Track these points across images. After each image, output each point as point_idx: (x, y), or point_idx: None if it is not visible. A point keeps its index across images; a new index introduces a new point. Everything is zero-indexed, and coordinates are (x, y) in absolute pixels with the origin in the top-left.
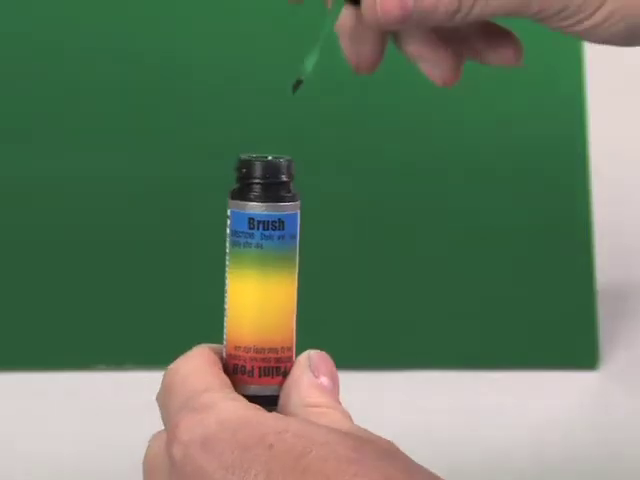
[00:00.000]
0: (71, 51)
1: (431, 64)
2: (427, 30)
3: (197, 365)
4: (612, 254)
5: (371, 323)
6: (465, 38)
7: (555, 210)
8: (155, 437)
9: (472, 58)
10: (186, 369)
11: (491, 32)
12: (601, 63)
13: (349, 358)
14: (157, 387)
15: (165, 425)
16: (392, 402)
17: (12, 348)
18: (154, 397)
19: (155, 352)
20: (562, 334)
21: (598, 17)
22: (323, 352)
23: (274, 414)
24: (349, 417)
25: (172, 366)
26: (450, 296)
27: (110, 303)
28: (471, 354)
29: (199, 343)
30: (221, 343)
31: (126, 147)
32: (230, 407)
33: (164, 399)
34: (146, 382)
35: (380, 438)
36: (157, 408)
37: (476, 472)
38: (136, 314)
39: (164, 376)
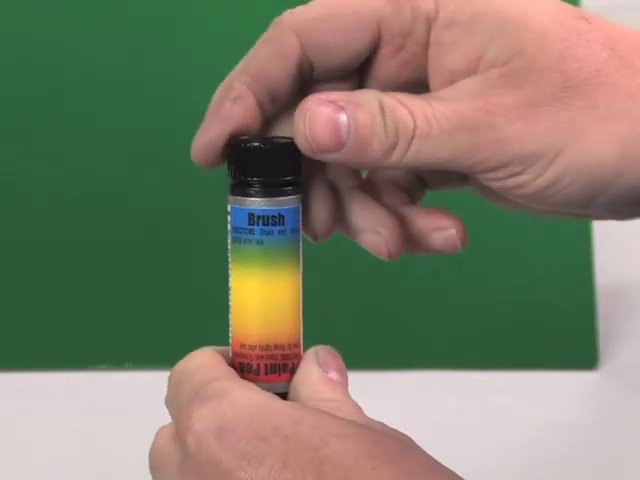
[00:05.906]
0: (72, 53)
1: (373, 233)
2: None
3: (203, 361)
4: (612, 254)
5: (370, 323)
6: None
7: None
8: (160, 431)
9: (415, 245)
10: (192, 365)
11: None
12: None
13: (348, 359)
14: (157, 387)
15: (176, 421)
16: (391, 402)
17: (12, 348)
18: (154, 397)
19: (155, 352)
20: (562, 334)
21: (549, 175)
22: (330, 347)
23: (290, 403)
24: (362, 411)
25: (177, 366)
26: (450, 296)
27: (110, 303)
28: (471, 354)
29: (199, 342)
30: (220, 343)
31: (127, 147)
32: (244, 395)
33: (172, 397)
34: (146, 382)
35: (397, 432)
36: (157, 408)
37: (476, 472)
38: (136, 314)
39: (170, 376)
